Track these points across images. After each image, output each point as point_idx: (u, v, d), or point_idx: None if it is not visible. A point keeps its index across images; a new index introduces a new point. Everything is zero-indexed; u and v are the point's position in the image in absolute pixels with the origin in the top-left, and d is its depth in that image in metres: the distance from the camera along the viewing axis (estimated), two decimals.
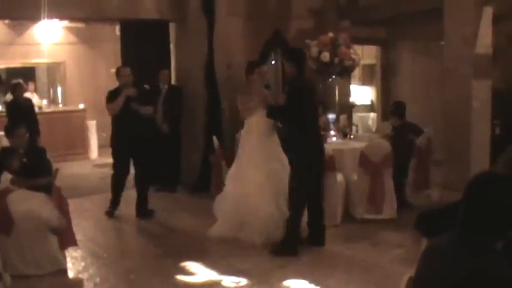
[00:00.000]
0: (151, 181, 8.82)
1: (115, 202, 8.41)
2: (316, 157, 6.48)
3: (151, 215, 8.31)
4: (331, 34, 8.42)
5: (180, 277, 5.92)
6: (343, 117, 8.99)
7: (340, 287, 5.49)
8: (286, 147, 6.83)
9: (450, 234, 2.43)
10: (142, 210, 8.32)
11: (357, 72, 12.96)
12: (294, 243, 6.41)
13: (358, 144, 8.04)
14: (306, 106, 6.38)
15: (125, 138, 8.11)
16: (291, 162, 6.58)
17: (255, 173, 6.83)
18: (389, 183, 7.64)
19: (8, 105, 10.82)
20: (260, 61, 7.89)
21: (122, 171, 8.35)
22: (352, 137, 8.80)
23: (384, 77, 12.59)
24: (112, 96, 8.12)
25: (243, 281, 5.68)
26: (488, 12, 8.03)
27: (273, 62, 10.69)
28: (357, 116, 13.31)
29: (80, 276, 6.04)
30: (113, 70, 10.44)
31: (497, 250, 2.33)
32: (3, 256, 5.76)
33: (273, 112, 6.59)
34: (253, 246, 6.59)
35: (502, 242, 2.37)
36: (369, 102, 14.39)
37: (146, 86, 8.72)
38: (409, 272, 2.70)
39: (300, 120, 6.33)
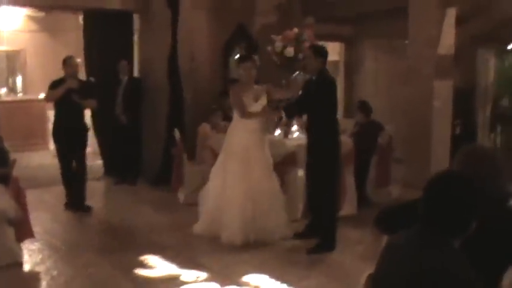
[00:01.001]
0: (85, 176, 8.40)
1: (69, 194, 8.28)
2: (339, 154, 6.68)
3: (87, 211, 8.12)
4: (296, 30, 8.42)
5: (140, 271, 5.86)
6: None
7: (300, 283, 5.49)
8: (314, 144, 6.58)
9: (409, 232, 2.46)
10: (76, 204, 8.16)
11: None
12: (333, 238, 6.47)
13: None
14: (336, 101, 6.66)
15: (63, 130, 8.00)
16: (319, 160, 6.49)
17: (234, 166, 6.71)
18: (350, 179, 7.70)
19: None
20: (246, 55, 7.83)
21: (64, 163, 8.17)
22: None
23: (347, 74, 12.67)
24: (54, 85, 7.98)
25: (203, 275, 5.66)
26: (451, 13, 8.14)
27: (237, 57, 10.64)
28: None
29: (37, 269, 5.94)
30: (76, 60, 10.29)
31: (454, 247, 2.36)
32: None
33: (293, 108, 6.73)
34: (234, 246, 6.48)
35: (459, 240, 2.41)
36: None
37: (91, 79, 8.73)
38: (369, 269, 2.71)
39: (333, 115, 6.54)
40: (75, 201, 8.16)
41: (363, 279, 2.73)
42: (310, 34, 8.55)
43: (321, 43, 9.46)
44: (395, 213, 2.99)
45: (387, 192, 8.37)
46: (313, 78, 6.58)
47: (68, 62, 8.00)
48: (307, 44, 8.35)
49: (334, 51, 13.28)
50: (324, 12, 10.35)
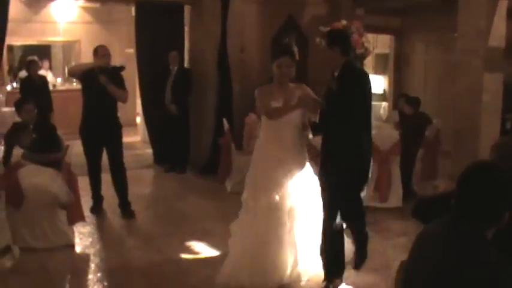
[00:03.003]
0: (125, 178, 7.58)
1: (95, 198, 7.62)
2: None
3: (131, 215, 7.47)
4: (344, 21, 8.43)
5: (185, 255, 6.03)
6: None
7: (345, 274, 5.53)
8: (340, 157, 5.02)
9: (441, 221, 2.50)
10: (125, 207, 7.53)
11: (370, 61, 12.95)
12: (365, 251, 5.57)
13: None
14: (370, 100, 5.12)
15: (90, 126, 7.31)
16: (345, 172, 4.99)
17: (272, 203, 5.24)
18: (396, 172, 7.71)
19: (22, 82, 10.94)
20: (282, 48, 6.01)
21: (91, 163, 7.45)
22: None
23: (397, 67, 12.60)
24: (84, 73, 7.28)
25: None
26: (503, 5, 8.02)
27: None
28: None
29: (87, 251, 6.18)
30: (128, 50, 10.53)
31: (486, 237, 2.40)
32: (12, 229, 5.88)
33: (319, 125, 5.24)
34: None
35: (492, 230, 2.44)
36: (381, 92, 14.39)
37: (123, 66, 7.62)
38: (403, 257, 2.76)
39: (363, 121, 5.01)
40: (121, 205, 7.52)
41: (395, 266, 2.79)
42: (359, 26, 8.55)
43: (370, 35, 9.49)
44: (432, 203, 3.03)
45: (433, 185, 8.33)
46: (335, 75, 4.99)
47: (99, 51, 7.31)
48: (355, 37, 8.38)
49: (384, 43, 13.25)
50: (374, 3, 10.33)
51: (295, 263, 5.31)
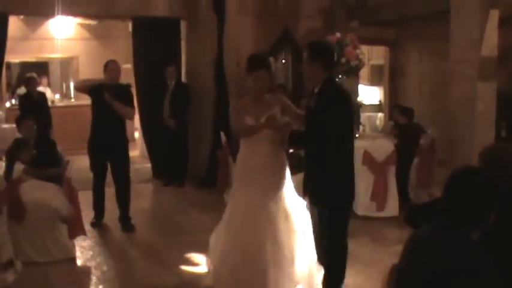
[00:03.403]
0: (128, 192, 7.58)
1: (97, 212, 7.64)
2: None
3: (132, 229, 7.48)
4: (338, 34, 8.56)
5: (185, 267, 6.11)
6: None
7: None
8: (316, 182, 4.72)
9: (431, 225, 2.60)
10: (125, 221, 7.53)
11: (365, 73, 13.07)
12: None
13: (363, 143, 8.18)
14: (351, 122, 4.72)
15: (97, 145, 7.38)
16: (323, 203, 4.72)
17: (252, 221, 4.97)
18: (392, 181, 7.80)
19: (21, 99, 11.04)
20: (257, 59, 5.12)
21: (97, 179, 7.55)
22: (357, 136, 8.92)
23: (392, 78, 12.70)
24: (92, 88, 7.35)
25: None
26: (494, 15, 8.14)
27: (284, 61, 10.83)
28: (364, 116, 13.43)
29: (88, 264, 6.26)
30: (126, 66, 10.63)
31: (472, 240, 2.50)
32: (14, 243, 5.96)
33: (299, 139, 4.95)
34: None
35: (478, 232, 2.54)
36: (377, 102, 14.49)
37: (129, 84, 7.79)
38: (395, 260, 2.86)
39: (342, 143, 4.55)
40: (122, 218, 7.54)
41: (387, 269, 2.88)
42: (353, 38, 8.68)
43: (365, 47, 9.62)
44: (423, 209, 3.13)
45: (429, 194, 8.41)
46: (315, 91, 4.63)
47: (109, 66, 7.35)
48: (349, 49, 8.51)
49: (379, 55, 13.37)
50: (368, 16, 10.44)
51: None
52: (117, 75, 7.37)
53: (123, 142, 7.53)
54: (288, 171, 5.13)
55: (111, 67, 7.34)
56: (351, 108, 4.70)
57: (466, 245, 2.46)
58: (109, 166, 7.51)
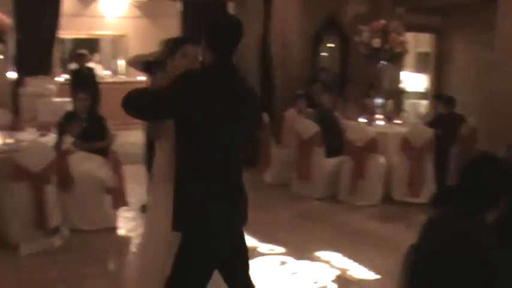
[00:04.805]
0: None
1: None
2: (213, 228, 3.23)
3: None
4: (383, 21, 8.64)
5: None
6: (390, 102, 9.22)
7: (370, 262, 5.76)
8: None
9: (448, 206, 2.75)
10: None
11: (411, 60, 13.07)
12: None
13: (402, 129, 8.28)
14: (206, 118, 3.16)
15: None
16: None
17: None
18: (429, 168, 7.86)
19: (72, 74, 11.40)
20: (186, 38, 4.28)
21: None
22: (398, 121, 9.00)
23: (437, 65, 12.68)
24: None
25: (279, 249, 6.08)
26: None
27: (332, 45, 10.94)
28: (409, 103, 13.46)
29: (129, 234, 6.57)
30: None
31: (483, 218, 2.64)
32: (62, 211, 6.27)
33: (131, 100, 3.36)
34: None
35: (491, 214, 2.68)
36: (422, 90, 14.46)
37: None
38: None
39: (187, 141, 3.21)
40: None
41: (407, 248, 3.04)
42: (398, 25, 8.74)
43: (410, 34, 9.66)
44: (446, 193, 3.26)
45: None
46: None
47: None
48: (393, 36, 8.58)
49: (425, 42, 13.34)
50: (415, 2, 10.46)
51: None
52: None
53: None
54: None
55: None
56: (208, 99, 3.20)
57: (473, 220, 2.61)
58: None
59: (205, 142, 3.14)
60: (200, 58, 3.54)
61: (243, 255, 3.42)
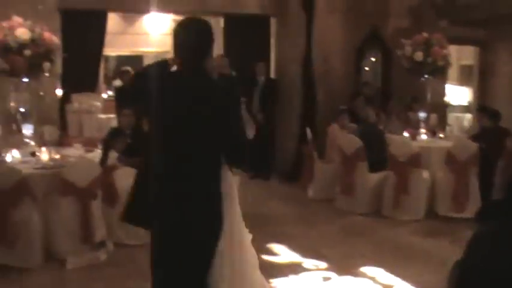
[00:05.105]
0: None
1: None
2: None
3: None
4: (425, 34, 8.58)
5: (266, 257, 6.31)
6: (433, 116, 9.13)
7: (415, 278, 5.71)
8: None
9: (495, 221, 2.71)
10: None
11: (454, 73, 12.93)
12: None
13: (446, 143, 8.19)
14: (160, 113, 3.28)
15: None
16: None
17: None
18: (474, 182, 7.76)
19: (117, 90, 11.59)
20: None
21: None
22: (442, 135, 8.90)
23: (481, 78, 12.51)
24: None
25: (323, 265, 6.06)
26: None
27: (373, 59, 10.92)
28: (453, 116, 13.31)
29: None
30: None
31: None
32: (107, 226, 6.37)
33: None
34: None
35: None
36: (466, 103, 14.29)
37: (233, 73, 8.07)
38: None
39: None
40: None
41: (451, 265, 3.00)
42: (440, 38, 8.67)
43: (453, 47, 9.57)
44: (492, 207, 3.21)
45: None
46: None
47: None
48: (436, 49, 8.51)
49: (469, 55, 13.19)
50: (457, 15, 10.37)
51: None
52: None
53: None
54: None
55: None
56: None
57: None
58: None
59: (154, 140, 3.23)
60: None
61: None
